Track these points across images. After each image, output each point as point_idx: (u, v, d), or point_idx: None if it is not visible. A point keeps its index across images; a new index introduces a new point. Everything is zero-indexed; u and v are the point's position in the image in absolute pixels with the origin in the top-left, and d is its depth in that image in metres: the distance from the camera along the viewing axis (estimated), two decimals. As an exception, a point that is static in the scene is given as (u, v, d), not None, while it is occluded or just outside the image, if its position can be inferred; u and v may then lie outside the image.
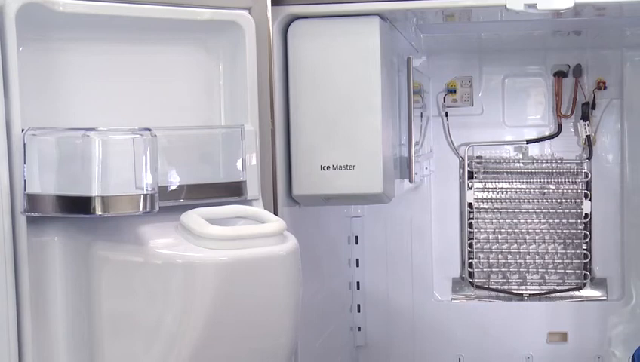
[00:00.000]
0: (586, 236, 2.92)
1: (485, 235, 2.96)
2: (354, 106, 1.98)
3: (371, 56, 1.97)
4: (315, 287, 2.13)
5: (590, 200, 2.91)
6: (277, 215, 1.67)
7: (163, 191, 1.54)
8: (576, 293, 2.94)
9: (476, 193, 2.95)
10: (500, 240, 2.96)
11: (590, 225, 2.93)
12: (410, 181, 2.34)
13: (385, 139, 2.01)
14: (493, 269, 2.95)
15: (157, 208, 1.50)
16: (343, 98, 1.98)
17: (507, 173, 2.96)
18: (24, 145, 1.46)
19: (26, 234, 1.50)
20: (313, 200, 2.05)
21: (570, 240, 2.94)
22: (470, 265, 2.93)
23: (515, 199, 2.95)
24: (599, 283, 2.95)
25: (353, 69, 1.98)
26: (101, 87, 1.66)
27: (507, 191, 2.95)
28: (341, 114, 1.98)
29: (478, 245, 2.96)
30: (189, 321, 1.54)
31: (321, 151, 1.98)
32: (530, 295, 2.96)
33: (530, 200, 2.94)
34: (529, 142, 2.95)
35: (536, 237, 2.95)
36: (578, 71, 2.87)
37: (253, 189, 1.75)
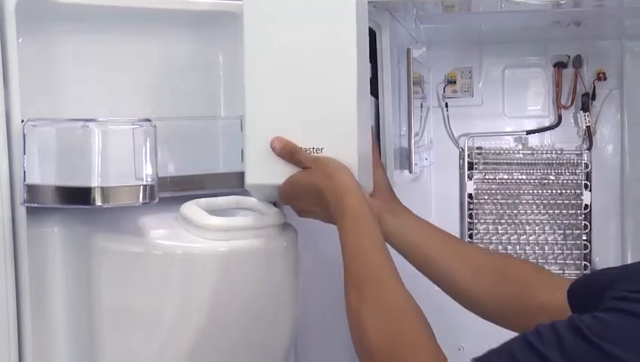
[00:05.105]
0: (585, 227, 2.92)
1: (485, 226, 2.96)
2: (321, 69, 1.53)
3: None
4: (314, 278, 2.14)
5: (590, 190, 2.91)
6: (276, 206, 1.67)
7: (163, 182, 1.54)
8: (577, 284, 2.94)
9: (476, 184, 2.95)
10: (499, 231, 2.96)
11: (590, 215, 2.93)
12: (410, 172, 2.34)
13: (362, 117, 1.55)
14: (494, 260, 2.95)
15: (157, 199, 1.50)
16: (307, 60, 1.54)
17: (507, 163, 2.95)
18: (24, 135, 1.46)
19: (26, 225, 1.50)
20: (267, 191, 1.60)
21: (570, 231, 2.94)
22: (470, 256, 2.93)
23: (515, 190, 2.95)
24: (599, 275, 2.95)
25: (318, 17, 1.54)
26: (101, 78, 1.67)
27: (507, 182, 2.95)
28: (305, 81, 1.54)
29: (478, 236, 2.96)
30: (189, 312, 1.55)
31: (279, 132, 1.53)
32: (530, 285, 2.96)
33: (530, 191, 2.94)
34: (529, 132, 2.95)
35: (536, 228, 2.95)
36: (578, 61, 2.86)
37: (252, 180, 1.74)
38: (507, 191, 2.95)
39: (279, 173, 1.52)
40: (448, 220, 2.98)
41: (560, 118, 2.92)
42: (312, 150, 1.51)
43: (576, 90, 2.89)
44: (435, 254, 1.60)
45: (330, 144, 1.51)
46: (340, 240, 1.40)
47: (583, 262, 2.93)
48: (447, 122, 2.96)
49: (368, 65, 1.67)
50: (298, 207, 1.55)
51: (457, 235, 2.97)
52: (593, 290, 1.34)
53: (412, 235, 1.61)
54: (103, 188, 1.44)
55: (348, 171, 1.45)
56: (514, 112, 2.98)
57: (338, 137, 1.52)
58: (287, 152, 1.49)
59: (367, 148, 1.58)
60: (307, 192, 1.47)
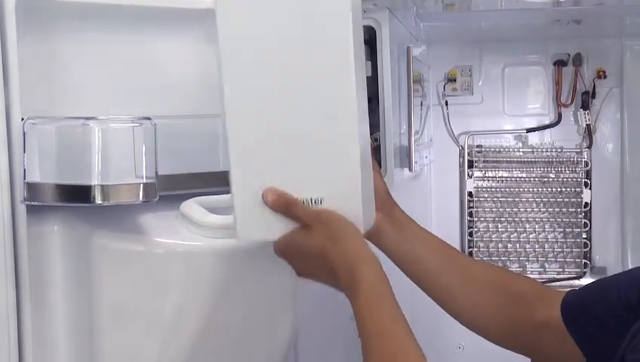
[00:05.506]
0: (585, 225, 2.92)
1: (485, 224, 2.96)
2: (317, 111, 1.30)
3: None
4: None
5: (590, 189, 2.92)
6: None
7: (162, 180, 1.54)
8: (576, 282, 2.95)
9: (476, 182, 2.95)
10: (499, 229, 2.96)
11: (590, 213, 2.93)
12: (410, 170, 2.34)
13: (364, 152, 1.33)
14: (493, 258, 2.96)
15: (157, 197, 1.50)
16: (297, 96, 1.30)
17: (507, 161, 2.96)
18: (24, 133, 1.45)
19: (26, 224, 1.50)
20: (265, 245, 1.39)
21: (570, 229, 2.94)
22: (470, 254, 2.93)
23: (515, 188, 2.95)
24: (599, 272, 2.95)
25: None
26: (101, 76, 1.66)
27: (507, 180, 2.95)
28: (298, 121, 1.31)
29: (478, 234, 2.96)
30: (189, 310, 1.55)
31: (272, 180, 1.32)
32: (529, 284, 2.96)
33: (530, 189, 2.95)
34: (529, 131, 2.95)
35: (536, 226, 2.96)
36: (578, 60, 2.87)
37: (252, 177, 1.74)
38: (507, 189, 2.96)
39: (274, 227, 1.33)
40: (448, 218, 2.99)
41: (560, 116, 2.92)
42: (309, 201, 1.31)
43: (576, 88, 2.90)
44: (434, 271, 1.52)
45: (331, 194, 1.31)
46: (355, 313, 1.25)
47: (583, 260, 2.93)
48: (447, 120, 2.96)
49: (364, 81, 1.48)
50: (297, 268, 1.38)
51: (457, 233, 2.99)
52: (589, 304, 1.34)
53: (412, 250, 1.50)
54: (103, 187, 1.44)
55: (355, 231, 1.28)
56: (514, 110, 2.98)
57: (339, 185, 1.30)
58: (282, 206, 1.30)
59: (370, 179, 1.39)
60: (308, 255, 1.30)
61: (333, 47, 1.26)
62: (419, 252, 1.51)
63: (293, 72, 1.28)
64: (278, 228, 1.33)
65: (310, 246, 1.29)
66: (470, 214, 2.96)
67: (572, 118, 2.94)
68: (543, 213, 2.95)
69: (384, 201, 1.51)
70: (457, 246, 2.97)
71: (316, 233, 1.29)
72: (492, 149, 2.96)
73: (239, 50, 1.30)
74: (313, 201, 1.30)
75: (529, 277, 1.63)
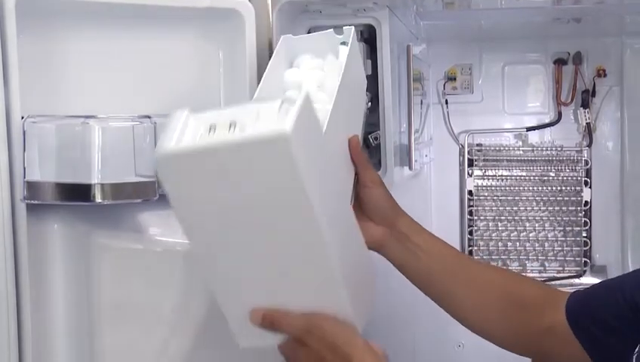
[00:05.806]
0: (586, 223, 2.92)
1: (485, 223, 2.96)
2: (291, 253, 1.24)
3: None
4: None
5: (590, 187, 2.91)
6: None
7: (162, 179, 1.54)
8: (576, 281, 2.94)
9: (476, 181, 2.95)
10: (499, 228, 2.96)
11: (590, 212, 2.93)
12: (410, 168, 2.33)
13: (346, 256, 1.30)
14: (493, 257, 2.95)
15: (156, 196, 1.50)
16: (271, 244, 1.23)
17: (507, 160, 2.95)
18: (24, 132, 1.46)
19: (26, 222, 1.50)
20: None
21: (570, 228, 2.93)
22: (470, 253, 2.93)
23: (515, 187, 2.95)
24: (599, 271, 2.94)
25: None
26: (101, 75, 1.66)
27: (507, 179, 2.95)
28: (275, 265, 1.26)
29: (478, 233, 2.96)
30: (189, 308, 1.55)
31: (257, 303, 1.30)
32: (529, 282, 2.95)
33: (530, 188, 2.94)
34: (529, 129, 2.94)
35: (536, 225, 2.95)
36: (578, 58, 2.86)
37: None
38: (507, 188, 2.95)
39: (271, 335, 1.32)
40: (448, 217, 2.98)
41: (560, 114, 2.92)
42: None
43: (576, 86, 2.89)
44: (438, 279, 1.52)
45: (318, 307, 1.29)
46: None
47: (583, 259, 2.93)
48: (447, 119, 2.96)
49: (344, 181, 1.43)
50: None
51: (457, 232, 2.98)
52: (594, 307, 1.34)
53: (416, 261, 1.53)
54: (102, 185, 1.44)
55: (349, 330, 1.31)
56: (514, 109, 2.97)
57: (329, 308, 1.29)
58: (269, 324, 1.30)
59: (365, 272, 1.41)
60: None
61: (289, 195, 1.16)
62: (422, 262, 1.53)
63: (257, 220, 1.19)
64: (275, 335, 1.32)
65: (309, 357, 1.29)
66: (470, 213, 2.95)
67: (572, 117, 2.93)
68: (543, 211, 2.94)
69: (387, 216, 1.55)
70: (457, 245, 2.97)
71: (310, 344, 1.29)
72: (492, 148, 2.96)
73: (194, 211, 1.21)
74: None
75: (533, 280, 1.63)
